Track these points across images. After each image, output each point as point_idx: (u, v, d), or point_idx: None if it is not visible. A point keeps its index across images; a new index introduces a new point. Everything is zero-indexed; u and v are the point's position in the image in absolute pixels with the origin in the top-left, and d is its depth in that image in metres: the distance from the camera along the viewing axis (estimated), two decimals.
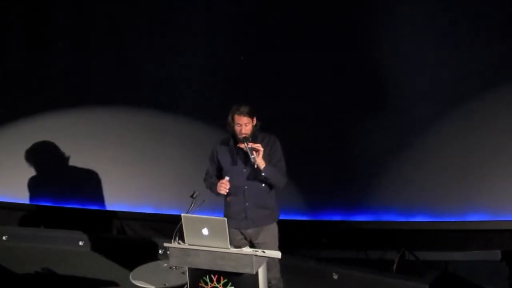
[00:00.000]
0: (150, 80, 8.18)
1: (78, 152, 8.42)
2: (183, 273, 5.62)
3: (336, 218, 7.63)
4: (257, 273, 5.25)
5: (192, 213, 5.49)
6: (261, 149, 5.66)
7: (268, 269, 5.54)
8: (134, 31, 8.21)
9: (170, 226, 5.66)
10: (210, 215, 5.34)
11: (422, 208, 7.40)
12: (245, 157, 5.73)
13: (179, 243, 5.36)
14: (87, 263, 7.56)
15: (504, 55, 7.12)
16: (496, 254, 7.16)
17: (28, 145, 8.51)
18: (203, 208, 5.67)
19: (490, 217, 7.22)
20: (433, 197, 7.37)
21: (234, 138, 5.85)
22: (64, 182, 8.52)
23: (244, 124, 5.71)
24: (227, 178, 5.76)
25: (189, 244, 5.31)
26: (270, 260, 5.46)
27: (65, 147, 8.43)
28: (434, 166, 7.35)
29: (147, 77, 8.19)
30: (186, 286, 5.50)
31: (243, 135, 5.70)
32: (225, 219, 5.24)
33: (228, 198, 5.85)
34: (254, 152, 5.64)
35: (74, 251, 7.86)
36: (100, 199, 8.39)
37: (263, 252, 5.29)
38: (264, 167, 5.68)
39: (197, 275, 5.36)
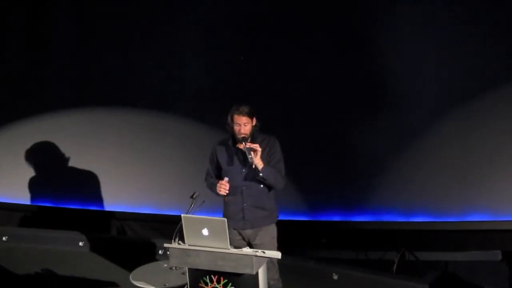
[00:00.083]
0: (150, 80, 8.18)
1: (78, 152, 8.42)
2: (183, 273, 5.61)
3: (336, 218, 7.63)
4: (257, 273, 5.24)
5: (192, 214, 5.48)
6: (259, 149, 5.65)
7: (267, 270, 5.53)
8: (134, 31, 8.21)
9: (170, 226, 5.65)
10: (210, 216, 5.33)
11: (422, 208, 7.39)
12: (244, 157, 5.72)
13: (179, 244, 5.36)
14: (87, 263, 7.56)
15: (504, 55, 7.12)
16: (496, 255, 7.16)
17: (28, 145, 8.51)
18: (203, 209, 5.66)
19: (490, 217, 7.21)
20: (433, 197, 7.36)
21: (234, 138, 5.84)
22: (64, 182, 8.52)
23: (243, 124, 5.71)
24: (226, 178, 5.76)
25: (189, 245, 5.31)
26: (268, 261, 5.45)
27: (65, 148, 8.43)
28: (434, 166, 7.35)
29: (147, 77, 8.18)
30: (186, 286, 5.49)
31: (242, 135, 5.70)
32: (225, 219, 5.23)
33: (226, 198, 5.85)
34: (252, 152, 5.63)
35: (74, 251, 7.85)
36: (100, 199, 8.39)
37: (263, 252, 5.28)
38: (262, 168, 5.68)
39: (197, 275, 5.36)
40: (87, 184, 8.40)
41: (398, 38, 7.39)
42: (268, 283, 5.67)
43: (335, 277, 6.89)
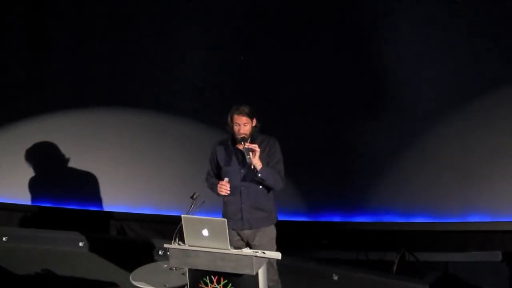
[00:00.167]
0: (150, 81, 8.17)
1: (78, 153, 8.41)
2: (183, 274, 5.60)
3: (336, 219, 7.63)
4: (257, 274, 5.24)
5: (192, 214, 5.48)
6: (258, 149, 5.65)
7: None
8: (134, 32, 8.20)
9: (170, 227, 5.65)
10: (210, 216, 5.33)
11: (422, 209, 7.39)
12: (243, 157, 5.72)
13: (179, 244, 5.35)
14: (87, 264, 7.56)
15: (504, 55, 7.12)
16: (496, 255, 7.15)
17: (27, 146, 8.50)
18: (203, 209, 5.66)
19: (490, 218, 7.21)
20: (433, 197, 7.36)
21: (233, 139, 5.84)
22: (64, 183, 8.52)
23: (243, 124, 5.71)
24: (226, 179, 5.76)
25: (189, 245, 5.30)
26: (266, 262, 5.45)
27: (65, 148, 8.42)
28: (434, 167, 7.35)
29: (147, 78, 8.18)
30: (186, 287, 5.49)
31: (241, 135, 5.70)
32: (225, 220, 5.23)
33: (225, 198, 5.85)
34: (250, 153, 5.63)
35: (74, 252, 7.85)
36: (100, 200, 8.39)
37: (263, 253, 5.28)
38: (261, 168, 5.67)
39: (197, 276, 5.35)
40: (87, 184, 8.40)
41: (398, 38, 7.39)
42: (267, 285, 5.67)
43: (335, 277, 6.89)
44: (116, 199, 8.34)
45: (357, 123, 7.54)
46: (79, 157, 8.40)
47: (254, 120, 5.77)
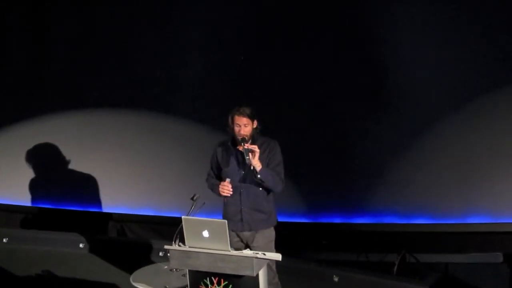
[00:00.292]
0: (150, 82, 8.17)
1: (79, 154, 8.40)
2: (184, 275, 5.61)
3: (337, 220, 7.63)
4: (257, 275, 5.24)
5: (193, 216, 5.47)
6: (257, 150, 5.64)
7: None
8: (134, 32, 8.20)
9: (171, 228, 5.64)
10: (211, 218, 5.33)
11: (422, 210, 7.39)
12: (243, 158, 5.72)
13: (179, 245, 5.35)
14: (87, 265, 7.55)
15: (505, 55, 7.12)
16: (497, 256, 7.16)
17: (28, 147, 8.49)
18: (204, 211, 5.65)
19: (490, 219, 7.21)
20: (433, 198, 7.36)
21: (234, 140, 5.84)
22: (64, 184, 8.51)
23: (243, 125, 5.70)
24: (228, 179, 5.76)
25: (189, 246, 5.30)
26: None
27: (66, 149, 8.42)
28: (434, 168, 7.35)
29: (147, 79, 8.17)
30: None
31: (242, 136, 5.69)
32: (226, 221, 5.23)
33: (225, 199, 5.85)
34: (249, 154, 5.63)
35: (74, 253, 7.84)
36: (100, 201, 8.39)
37: (264, 254, 5.27)
38: (260, 170, 5.66)
39: (198, 277, 5.35)
40: (87, 185, 8.39)
41: (398, 38, 7.39)
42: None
43: (336, 279, 6.89)
44: (116, 200, 8.34)
45: (357, 123, 7.54)
46: (79, 158, 8.40)
47: (255, 122, 5.76)
